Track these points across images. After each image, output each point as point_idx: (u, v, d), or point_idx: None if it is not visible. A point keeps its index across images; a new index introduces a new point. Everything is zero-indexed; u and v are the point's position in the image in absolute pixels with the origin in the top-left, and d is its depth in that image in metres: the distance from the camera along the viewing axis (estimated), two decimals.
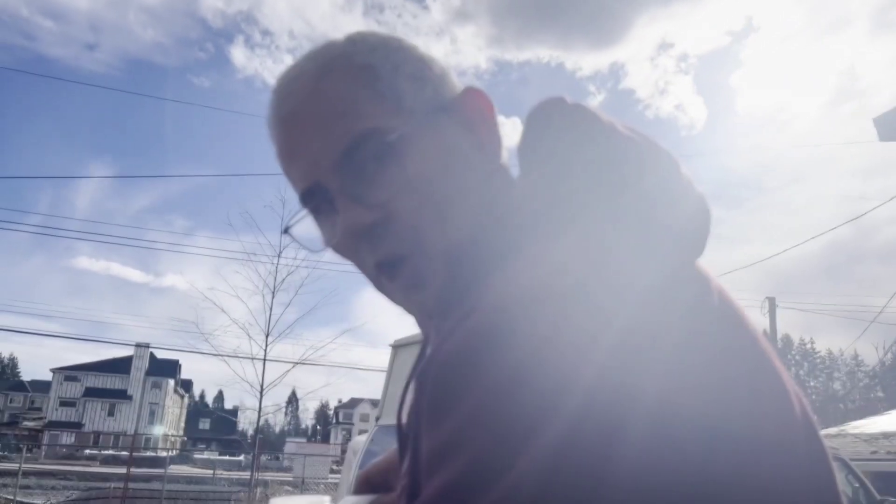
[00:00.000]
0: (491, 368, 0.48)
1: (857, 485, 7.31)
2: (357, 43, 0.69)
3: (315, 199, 0.68)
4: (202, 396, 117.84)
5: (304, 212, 0.70)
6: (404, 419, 0.71)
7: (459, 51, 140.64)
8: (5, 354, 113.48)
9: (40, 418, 67.95)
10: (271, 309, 19.28)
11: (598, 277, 0.51)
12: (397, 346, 7.55)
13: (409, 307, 0.70)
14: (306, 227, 0.72)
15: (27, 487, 19.57)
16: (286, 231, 0.72)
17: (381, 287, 0.70)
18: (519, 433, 0.45)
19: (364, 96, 0.65)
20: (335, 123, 0.65)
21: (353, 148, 0.64)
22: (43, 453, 44.07)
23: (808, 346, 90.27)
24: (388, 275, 0.67)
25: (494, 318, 0.50)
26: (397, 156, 0.64)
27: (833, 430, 12.62)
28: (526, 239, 0.60)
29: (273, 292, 19.33)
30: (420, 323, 0.74)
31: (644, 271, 0.53)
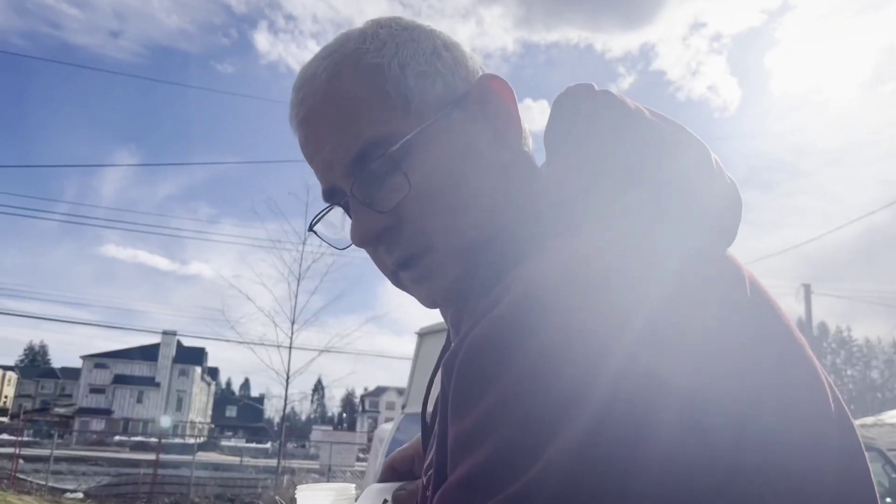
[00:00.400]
0: (518, 356, 0.48)
1: (894, 475, 7.15)
2: (367, 39, 0.69)
3: (334, 199, 0.71)
4: (229, 384, 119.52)
5: (327, 208, 0.73)
6: (430, 408, 0.73)
7: (485, 33, 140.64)
8: (36, 342, 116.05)
9: (71, 405, 69.38)
10: (297, 296, 19.40)
11: (625, 265, 0.51)
12: (423, 334, 7.52)
13: (419, 298, 0.71)
14: (330, 222, 0.74)
15: (59, 473, 19.93)
16: (311, 228, 0.74)
17: (397, 282, 0.72)
18: (546, 421, 0.45)
19: (372, 100, 0.66)
20: (345, 130, 0.66)
21: (362, 156, 0.66)
22: (74, 439, 44.97)
23: (845, 333, 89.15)
24: (402, 269, 0.69)
25: (521, 306, 0.50)
26: (405, 162, 0.65)
27: (870, 420, 12.41)
28: (551, 227, 0.61)
29: (298, 280, 19.44)
30: (444, 314, 0.74)
31: (671, 259, 0.53)
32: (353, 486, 0.81)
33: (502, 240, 0.66)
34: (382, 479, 0.86)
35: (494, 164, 0.69)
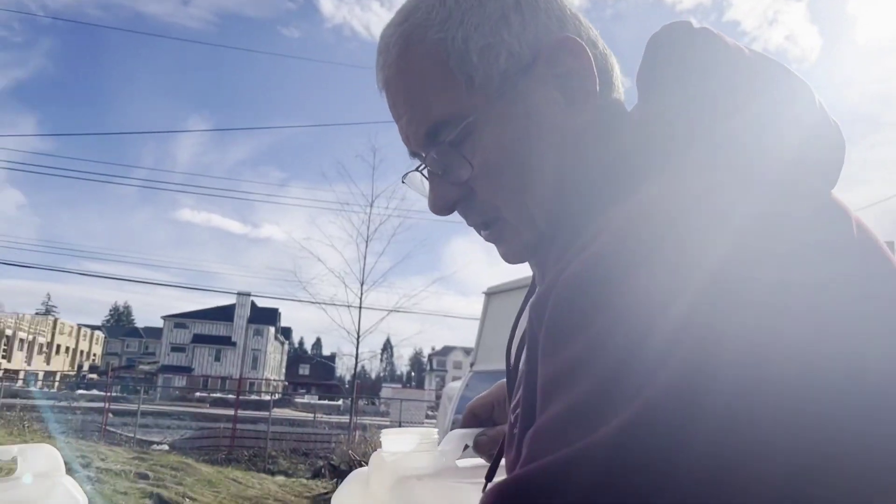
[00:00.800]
0: (613, 295, 0.48)
1: None
2: (434, 9, 0.68)
3: (417, 159, 0.74)
4: (301, 343, 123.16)
5: (415, 167, 0.75)
6: (514, 353, 0.75)
7: None
8: (120, 303, 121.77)
9: (154, 363, 72.74)
10: (365, 258, 19.75)
11: (714, 204, 0.50)
12: (491, 294, 7.55)
13: (499, 254, 0.74)
14: (418, 179, 0.76)
15: (145, 426, 20.97)
16: (403, 181, 0.77)
17: (480, 234, 0.74)
18: (643, 361, 0.44)
19: (436, 79, 0.67)
20: (416, 107, 0.69)
21: (431, 134, 0.69)
22: (158, 395, 47.13)
23: None
24: (480, 230, 0.73)
25: (613, 248, 0.50)
26: (470, 141, 0.67)
27: None
28: (640, 170, 0.60)
29: (367, 241, 19.76)
30: (529, 263, 0.76)
31: (767, 197, 0.50)
32: (435, 430, 0.84)
33: (583, 192, 0.66)
34: (463, 426, 0.88)
35: (565, 130, 0.68)
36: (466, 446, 0.86)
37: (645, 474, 0.42)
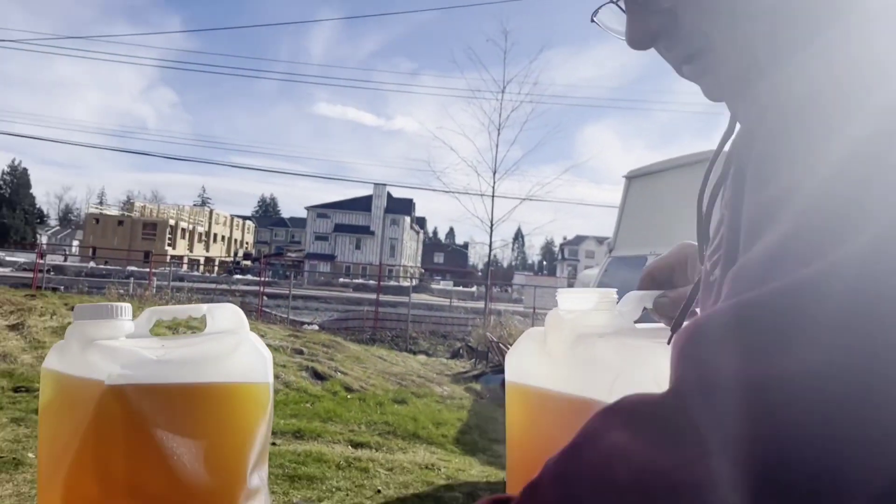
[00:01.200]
0: (818, 129, 0.45)
1: None
2: None
3: None
4: (435, 233, 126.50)
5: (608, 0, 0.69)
6: (705, 202, 0.71)
7: None
8: (266, 195, 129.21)
9: (300, 250, 77.48)
10: (497, 146, 19.63)
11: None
12: (631, 178, 7.33)
13: (702, 91, 0.67)
14: (613, 14, 0.70)
15: (296, 308, 22.59)
16: (592, 19, 0.71)
17: (681, 74, 0.68)
18: (865, 194, 0.41)
19: None
20: None
21: None
22: (305, 280, 50.29)
23: None
24: (683, 63, 0.66)
25: (811, 89, 0.48)
26: None
27: None
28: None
29: (499, 129, 19.56)
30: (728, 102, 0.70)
31: None
32: (615, 290, 0.81)
33: (798, 14, 0.56)
34: (640, 289, 0.85)
35: None
36: (645, 308, 0.83)
37: (835, 324, 0.39)
